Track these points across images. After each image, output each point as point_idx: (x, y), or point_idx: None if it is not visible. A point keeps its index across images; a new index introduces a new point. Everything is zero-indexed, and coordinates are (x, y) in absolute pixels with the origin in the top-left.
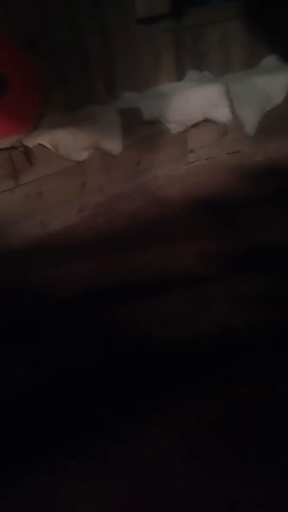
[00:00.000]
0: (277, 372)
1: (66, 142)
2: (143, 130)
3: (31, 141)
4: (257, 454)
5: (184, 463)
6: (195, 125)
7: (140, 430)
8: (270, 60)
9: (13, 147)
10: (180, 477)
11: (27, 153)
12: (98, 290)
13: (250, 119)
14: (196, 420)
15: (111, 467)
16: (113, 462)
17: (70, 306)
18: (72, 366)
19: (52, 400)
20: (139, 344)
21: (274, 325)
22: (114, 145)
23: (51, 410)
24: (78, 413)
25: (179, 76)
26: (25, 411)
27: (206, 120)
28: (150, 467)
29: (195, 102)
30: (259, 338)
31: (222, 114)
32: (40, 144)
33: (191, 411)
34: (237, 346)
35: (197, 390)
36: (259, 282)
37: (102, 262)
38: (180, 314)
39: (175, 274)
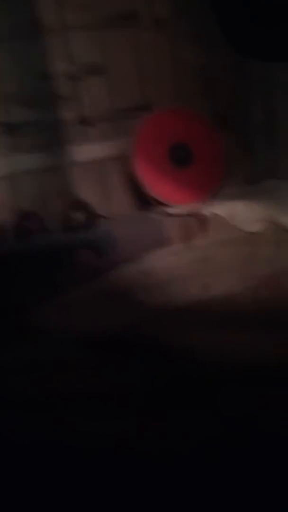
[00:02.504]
0: None
1: (241, 213)
2: None
3: (208, 210)
4: None
5: None
6: None
7: None
8: None
9: (191, 214)
10: None
11: (203, 220)
12: (257, 364)
13: None
14: None
15: None
16: None
17: (226, 376)
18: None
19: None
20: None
21: None
22: None
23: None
24: None
25: None
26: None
27: None
28: None
29: None
30: None
31: None
32: (215, 214)
33: None
34: None
35: None
36: None
37: (264, 335)
38: None
39: None
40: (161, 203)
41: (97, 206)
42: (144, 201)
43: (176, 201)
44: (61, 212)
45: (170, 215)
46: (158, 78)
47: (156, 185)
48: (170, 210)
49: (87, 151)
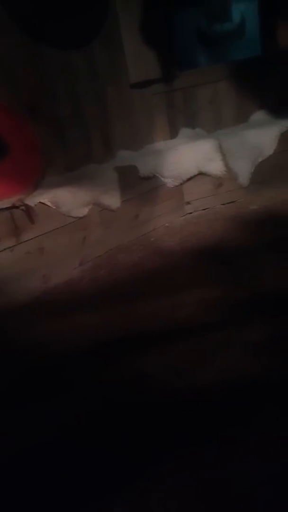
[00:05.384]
0: None
1: (66, 200)
2: (140, 186)
3: (32, 200)
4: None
5: None
6: (190, 178)
7: (151, 490)
8: (259, 115)
9: (14, 207)
10: None
11: (28, 211)
12: (103, 342)
13: (243, 171)
14: (208, 477)
15: None
16: None
17: (76, 359)
18: (79, 422)
19: (60, 461)
20: (146, 396)
21: (285, 373)
22: (112, 200)
23: (59, 469)
24: (82, 472)
25: (173, 134)
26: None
27: (201, 174)
28: None
29: (189, 157)
30: (270, 387)
31: (216, 167)
32: (41, 203)
33: (202, 467)
34: (248, 395)
35: (208, 445)
36: (265, 330)
37: (105, 314)
38: (188, 364)
39: (180, 323)
40: None
41: None
42: None
43: None
44: None
45: None
46: None
47: None
48: None
49: None
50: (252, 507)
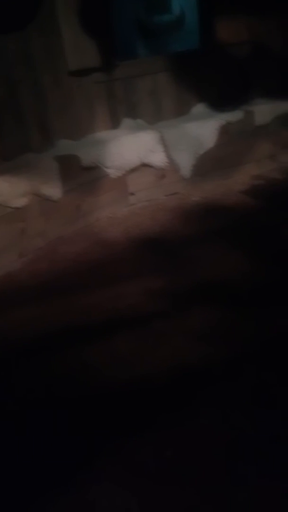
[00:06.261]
0: (231, 403)
1: (1, 189)
2: (82, 176)
3: None
4: (215, 493)
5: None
6: (133, 169)
7: (93, 481)
8: (199, 108)
9: None
10: None
11: None
12: (45, 335)
13: (185, 162)
14: (153, 463)
15: None
16: None
17: (17, 353)
18: (22, 416)
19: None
20: (90, 387)
21: (225, 358)
22: (53, 190)
23: None
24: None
25: (114, 124)
26: None
27: (144, 165)
28: None
29: (131, 148)
30: (211, 372)
31: (158, 159)
32: None
33: (146, 454)
34: (190, 381)
35: (153, 430)
36: (206, 317)
37: (47, 306)
38: (132, 354)
39: (124, 313)
40: None
41: None
42: None
43: None
44: None
45: None
46: None
47: None
48: None
49: None
50: (196, 491)
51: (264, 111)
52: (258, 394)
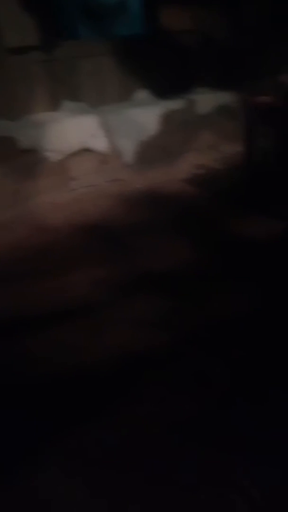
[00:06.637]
0: (171, 387)
1: None
2: (19, 158)
3: None
4: (161, 476)
5: (87, 499)
6: (74, 153)
7: (38, 470)
8: (141, 94)
9: None
10: None
11: None
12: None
13: (127, 149)
14: (98, 449)
15: None
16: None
17: None
18: None
19: None
20: (37, 376)
21: (167, 344)
22: None
23: None
24: None
25: (55, 106)
26: None
27: (85, 150)
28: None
29: (71, 131)
30: (154, 358)
31: (99, 143)
32: None
33: (92, 441)
34: (135, 366)
35: (98, 417)
36: (151, 305)
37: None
38: (77, 342)
39: (68, 302)
40: None
41: None
42: None
43: None
44: None
45: None
46: None
47: None
48: None
49: None
50: (140, 476)
51: (206, 100)
52: (199, 375)
